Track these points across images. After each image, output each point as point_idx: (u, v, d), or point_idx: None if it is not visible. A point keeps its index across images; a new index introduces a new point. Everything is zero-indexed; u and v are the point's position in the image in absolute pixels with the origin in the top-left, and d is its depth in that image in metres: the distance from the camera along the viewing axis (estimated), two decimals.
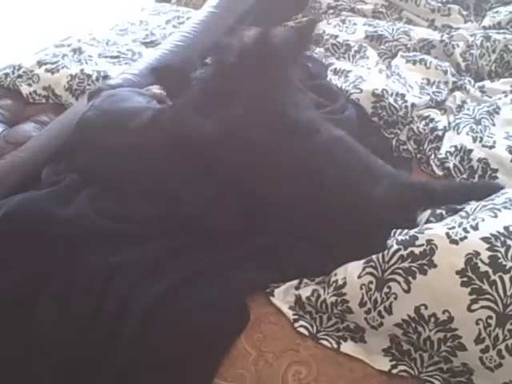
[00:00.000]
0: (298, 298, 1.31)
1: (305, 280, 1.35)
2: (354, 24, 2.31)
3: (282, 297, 1.32)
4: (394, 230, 1.26)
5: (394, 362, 1.20)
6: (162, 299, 1.30)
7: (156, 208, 1.47)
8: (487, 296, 1.11)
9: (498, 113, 1.82)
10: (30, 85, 2.09)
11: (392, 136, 1.81)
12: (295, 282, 1.34)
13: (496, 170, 1.60)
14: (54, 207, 1.45)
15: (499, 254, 1.14)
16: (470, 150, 1.66)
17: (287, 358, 1.22)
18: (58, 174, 1.59)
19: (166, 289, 1.31)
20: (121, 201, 1.49)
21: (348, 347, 1.23)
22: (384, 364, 1.20)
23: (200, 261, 1.37)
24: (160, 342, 1.27)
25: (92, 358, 1.31)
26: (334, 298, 1.25)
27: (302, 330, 1.26)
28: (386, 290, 1.19)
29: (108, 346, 1.29)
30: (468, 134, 1.71)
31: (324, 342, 1.24)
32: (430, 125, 1.80)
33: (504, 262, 1.13)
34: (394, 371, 1.19)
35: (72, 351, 1.32)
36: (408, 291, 1.17)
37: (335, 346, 1.23)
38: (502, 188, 1.38)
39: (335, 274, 1.29)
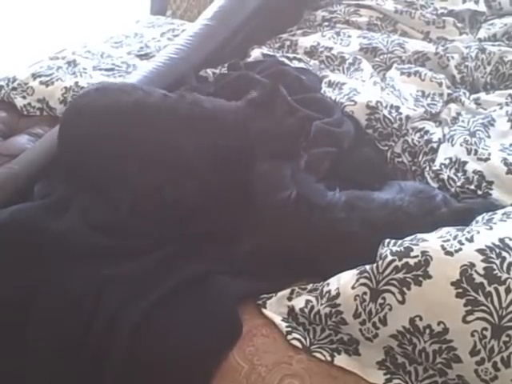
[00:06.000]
0: (291, 310, 1.29)
1: (296, 289, 1.33)
2: (349, 36, 2.30)
3: (275, 308, 1.30)
4: (387, 240, 1.25)
5: (388, 376, 1.18)
6: (152, 312, 1.28)
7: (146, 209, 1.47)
8: (482, 307, 1.10)
9: (493, 125, 1.81)
10: (24, 97, 2.07)
11: (386, 148, 1.80)
12: (287, 292, 1.33)
13: (491, 183, 1.58)
14: (46, 220, 1.43)
15: (494, 266, 1.13)
16: (465, 162, 1.65)
17: (280, 372, 1.20)
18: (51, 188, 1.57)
19: (156, 302, 1.29)
20: (111, 207, 1.48)
21: (342, 360, 1.21)
22: (378, 377, 1.18)
23: (190, 270, 1.36)
24: (150, 355, 1.25)
25: (83, 371, 1.29)
26: (327, 309, 1.24)
27: (295, 342, 1.24)
28: (380, 300, 1.18)
29: (99, 360, 1.27)
30: (462, 146, 1.69)
31: (317, 355, 1.22)
32: (425, 137, 1.79)
33: (499, 274, 1.12)
34: None
35: (63, 364, 1.30)
36: (403, 302, 1.16)
37: (329, 358, 1.21)
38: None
39: (328, 284, 1.27)
